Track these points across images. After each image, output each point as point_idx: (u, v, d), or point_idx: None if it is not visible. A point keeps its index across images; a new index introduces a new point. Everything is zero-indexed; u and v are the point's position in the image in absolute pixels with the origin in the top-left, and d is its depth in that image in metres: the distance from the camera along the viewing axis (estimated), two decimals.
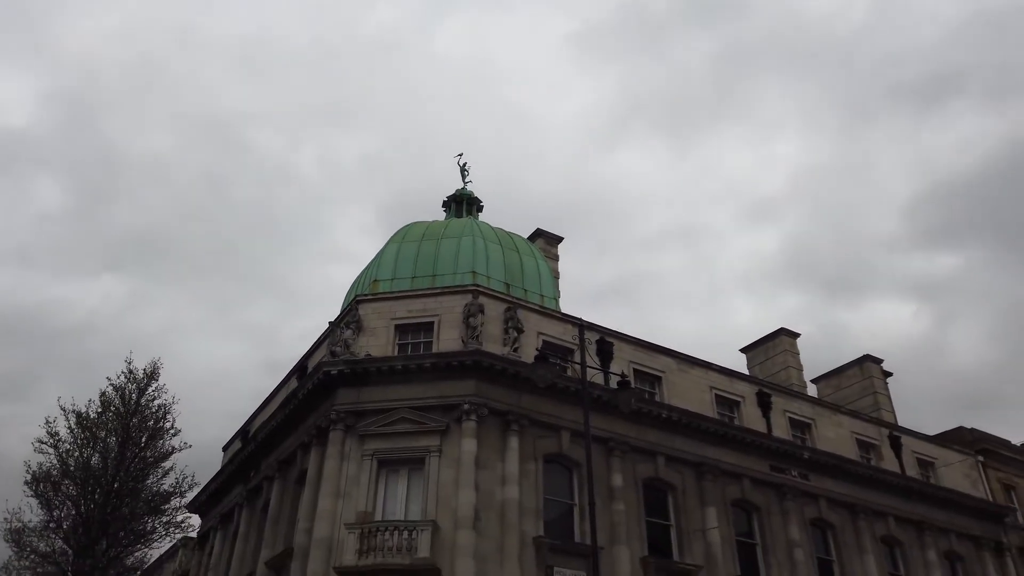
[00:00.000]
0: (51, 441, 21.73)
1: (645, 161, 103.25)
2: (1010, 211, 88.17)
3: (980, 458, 31.66)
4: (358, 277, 28.34)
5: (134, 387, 23.37)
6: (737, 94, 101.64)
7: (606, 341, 23.25)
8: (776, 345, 33.47)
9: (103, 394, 22.90)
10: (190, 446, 23.70)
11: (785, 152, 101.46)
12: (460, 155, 33.28)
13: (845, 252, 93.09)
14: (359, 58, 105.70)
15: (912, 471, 28.56)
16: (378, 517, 19.06)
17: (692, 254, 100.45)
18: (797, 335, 33.96)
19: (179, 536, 25.57)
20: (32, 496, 21.27)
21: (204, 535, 30.49)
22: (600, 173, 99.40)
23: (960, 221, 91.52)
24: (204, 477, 29.59)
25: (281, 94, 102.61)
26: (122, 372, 23.52)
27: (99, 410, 22.62)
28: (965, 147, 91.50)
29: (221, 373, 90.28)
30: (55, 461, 21.65)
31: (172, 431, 23.30)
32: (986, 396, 78.31)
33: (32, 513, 21.54)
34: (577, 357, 16.95)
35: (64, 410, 22.23)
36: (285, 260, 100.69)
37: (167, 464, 23.18)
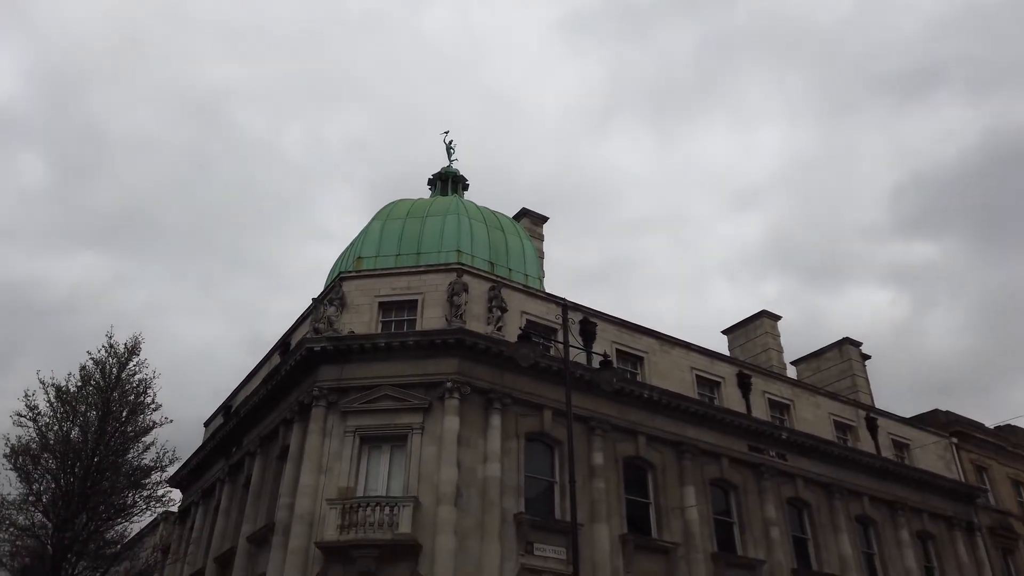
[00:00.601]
0: (30, 414, 21.54)
1: (631, 148, 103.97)
2: (987, 202, 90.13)
3: (954, 440, 32.29)
4: (342, 254, 28.22)
5: (115, 361, 23.13)
6: (722, 83, 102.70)
7: (589, 321, 23.37)
8: (757, 327, 33.78)
9: (83, 368, 22.67)
10: (171, 421, 23.51)
11: (768, 141, 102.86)
12: (446, 133, 33.11)
13: (826, 240, 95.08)
14: (346, 38, 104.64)
15: (888, 452, 29.07)
16: (360, 493, 19.16)
17: (676, 240, 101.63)
18: (778, 318, 34.29)
19: (160, 510, 25.42)
20: (11, 469, 21.10)
21: (185, 510, 30.55)
22: (585, 159, 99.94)
23: (938, 211, 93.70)
24: (186, 453, 29.58)
25: (267, 73, 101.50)
26: (103, 346, 23.29)
27: (79, 384, 22.40)
28: (944, 139, 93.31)
29: (204, 351, 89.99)
30: (34, 434, 21.48)
31: (153, 406, 23.11)
32: (961, 381, 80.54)
33: (11, 486, 21.41)
34: (560, 337, 17.06)
35: (43, 383, 22.00)
36: (269, 239, 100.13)
37: (148, 439, 22.99)
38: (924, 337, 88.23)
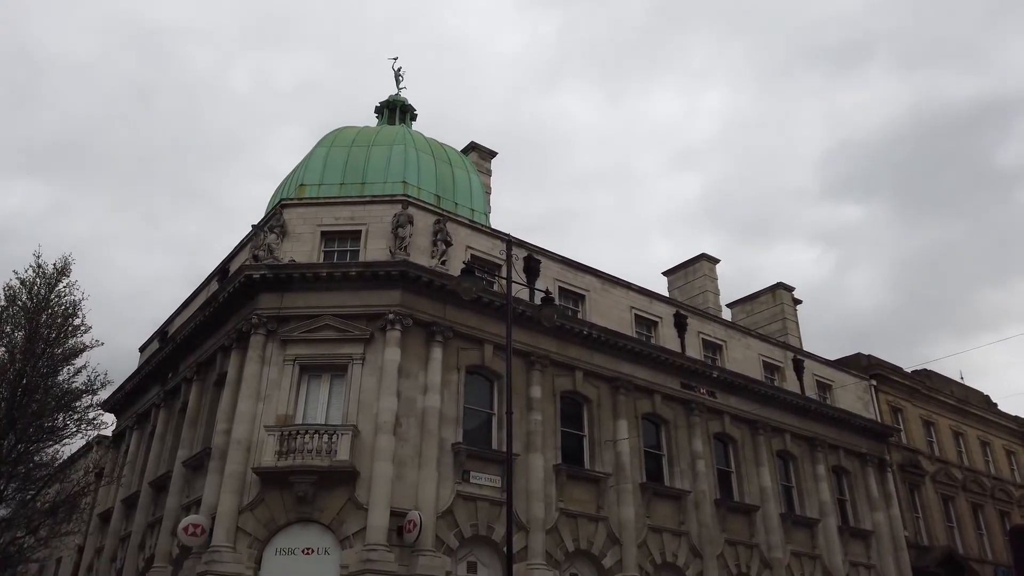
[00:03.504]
0: None
1: (578, 103, 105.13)
2: (910, 170, 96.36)
3: (873, 382, 34.00)
4: (284, 181, 27.51)
5: (43, 282, 22.38)
6: (668, 46, 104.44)
7: (533, 259, 23.53)
8: (696, 270, 34.56)
9: (8, 288, 21.89)
10: (102, 343, 23.01)
11: (710, 104, 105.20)
12: (395, 59, 32.21)
13: (760, 199, 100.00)
14: None
15: (811, 392, 30.50)
16: (299, 421, 19.25)
17: (618, 194, 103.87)
18: (717, 261, 35.10)
19: (93, 434, 25.14)
20: None
21: (120, 434, 30.19)
22: (533, 111, 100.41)
23: (864, 176, 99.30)
24: (122, 379, 29.12)
25: (214, 10, 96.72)
26: (30, 266, 22.45)
27: (3, 305, 21.66)
28: (874, 109, 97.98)
29: (146, 283, 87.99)
30: None
31: (83, 328, 22.56)
32: (879, 335, 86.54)
33: None
34: (504, 273, 17.18)
35: None
36: (215, 175, 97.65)
37: (79, 362, 22.52)
38: (846, 295, 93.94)
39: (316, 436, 18.46)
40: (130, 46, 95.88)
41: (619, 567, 21.58)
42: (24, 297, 22.03)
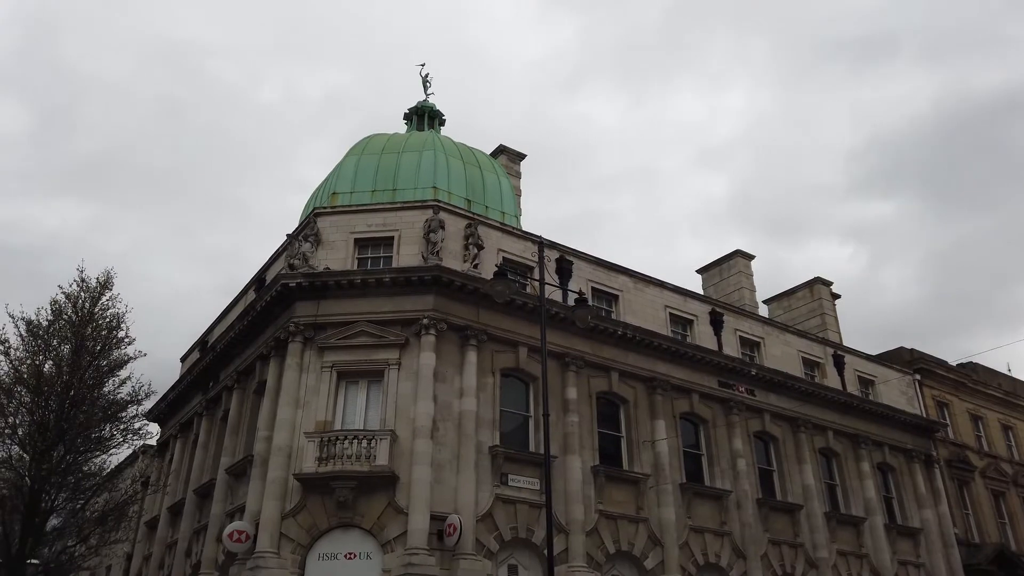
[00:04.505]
0: (1, 348, 21.40)
1: (600, 107, 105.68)
2: (939, 163, 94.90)
3: (917, 377, 33.26)
4: (316, 190, 27.84)
5: (87, 296, 22.95)
6: (688, 47, 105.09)
7: (565, 260, 23.47)
8: (731, 266, 34.15)
9: (54, 302, 22.47)
10: (145, 354, 23.50)
11: (733, 103, 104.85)
12: (422, 65, 32.40)
13: (787, 198, 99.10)
14: None
15: (853, 388, 29.92)
16: (337, 427, 19.43)
17: (644, 196, 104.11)
18: (752, 257, 34.65)
19: (138, 444, 25.70)
20: None
21: (164, 443, 30.80)
22: (557, 116, 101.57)
23: (893, 171, 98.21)
24: (164, 389, 29.74)
25: (242, 27, 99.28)
26: (74, 281, 23.04)
27: (50, 318, 22.24)
28: (899, 103, 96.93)
29: (183, 295, 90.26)
30: (6, 368, 21.39)
31: (127, 340, 23.08)
32: (914, 331, 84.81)
33: None
34: (536, 274, 17.16)
35: (13, 317, 21.80)
36: (246, 188, 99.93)
37: (123, 373, 23.05)
38: (881, 291, 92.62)
39: (355, 441, 18.61)
40: (162, 64, 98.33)
41: (661, 568, 21.38)
42: (69, 311, 22.60)
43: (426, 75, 31.63)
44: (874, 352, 33.64)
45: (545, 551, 16.22)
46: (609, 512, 21.21)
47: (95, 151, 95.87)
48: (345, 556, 18.11)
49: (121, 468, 33.56)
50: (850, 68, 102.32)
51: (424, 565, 17.34)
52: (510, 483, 19.84)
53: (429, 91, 31.53)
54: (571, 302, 19.57)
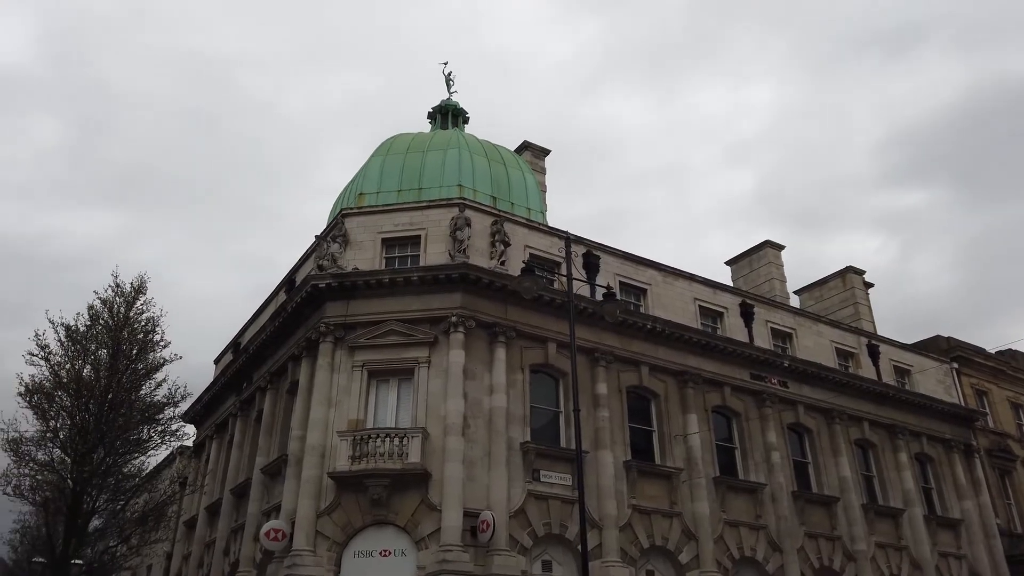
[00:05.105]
0: (41, 353, 21.88)
1: (626, 104, 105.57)
2: (970, 151, 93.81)
3: (955, 365, 32.60)
4: (343, 191, 28.06)
5: (122, 301, 23.38)
6: (713, 42, 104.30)
7: (592, 254, 23.38)
8: (761, 257, 33.76)
9: (91, 307, 22.92)
10: (180, 357, 23.88)
11: (760, 97, 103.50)
12: (445, 63, 32.48)
13: (816, 191, 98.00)
14: (345, 1, 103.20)
15: (888, 378, 29.42)
16: (369, 425, 19.58)
17: (671, 192, 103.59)
18: (782, 247, 34.22)
19: (175, 445, 26.16)
20: (27, 407, 21.55)
21: (200, 444, 31.30)
22: (583, 115, 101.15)
23: (924, 161, 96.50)
24: (198, 391, 30.19)
25: (268, 37, 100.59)
26: (109, 286, 23.48)
27: (87, 323, 22.70)
28: (929, 93, 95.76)
29: (214, 299, 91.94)
30: (47, 373, 21.87)
31: (162, 343, 23.47)
32: (950, 319, 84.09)
33: (28, 424, 21.89)
34: (563, 270, 17.11)
35: (53, 323, 22.28)
36: (275, 194, 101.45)
37: (159, 375, 23.44)
38: (913, 281, 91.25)
39: (387, 440, 18.73)
40: (192, 76, 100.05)
41: (696, 563, 21.24)
42: (106, 316, 23.03)
43: (449, 73, 31.74)
44: (909, 341, 33.05)
45: (578, 546, 16.20)
46: (642, 507, 21.11)
47: (128, 163, 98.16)
48: (380, 553, 18.26)
49: (159, 469, 34.21)
50: (878, 59, 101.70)
51: (458, 562, 17.41)
52: (542, 479, 19.83)
53: (452, 89, 31.62)
54: (599, 297, 19.50)
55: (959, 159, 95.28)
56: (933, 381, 31.08)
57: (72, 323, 22.49)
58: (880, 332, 32.23)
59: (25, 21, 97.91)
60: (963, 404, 31.46)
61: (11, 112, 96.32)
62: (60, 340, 22.26)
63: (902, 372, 30.50)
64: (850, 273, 34.59)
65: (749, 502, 23.30)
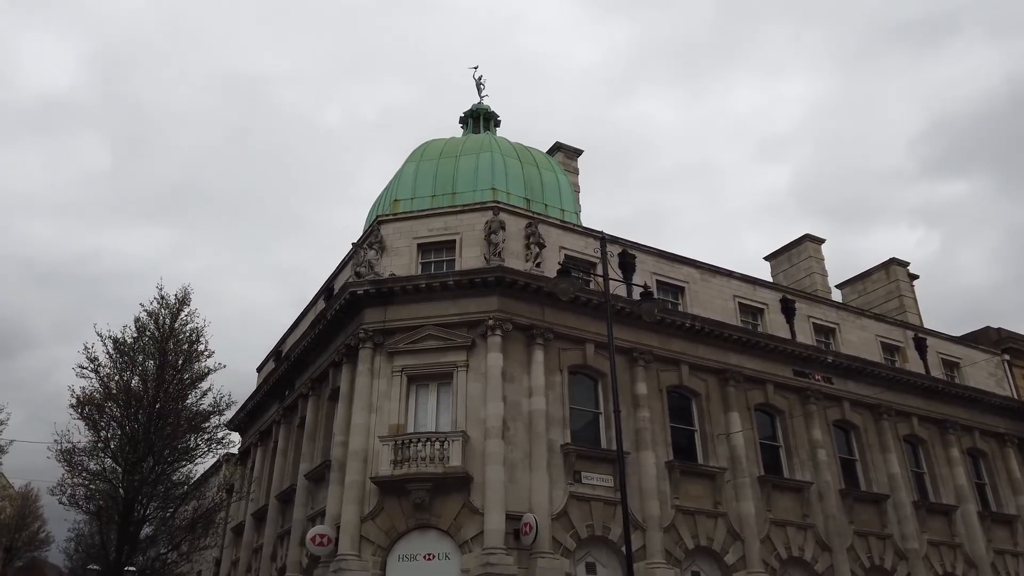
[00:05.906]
0: (91, 366, 22.48)
1: (657, 104, 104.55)
2: (1010, 139, 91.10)
3: (1006, 357, 31.63)
4: (378, 198, 28.32)
5: (167, 313, 23.92)
6: (743, 39, 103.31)
7: (628, 254, 23.21)
8: (801, 251, 33.19)
9: (138, 320, 23.49)
10: (224, 366, 24.35)
11: (792, 92, 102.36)
12: (475, 68, 32.59)
13: (853, 185, 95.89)
14: (377, 12, 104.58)
15: (937, 372, 28.67)
16: (410, 430, 19.70)
17: (705, 190, 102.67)
18: (822, 241, 33.59)
19: (221, 452, 26.65)
20: (79, 419, 22.16)
21: (245, 451, 31.84)
22: (614, 117, 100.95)
23: (962, 151, 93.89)
24: (242, 399, 30.73)
25: (302, 50, 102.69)
26: (154, 299, 24.04)
27: (135, 335, 23.27)
28: (965, 82, 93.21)
29: (256, 309, 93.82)
30: (97, 385, 22.46)
31: (207, 353, 23.96)
32: (997, 310, 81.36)
33: (80, 434, 22.50)
34: (599, 270, 17.03)
35: (101, 336, 22.89)
36: (312, 205, 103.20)
37: (204, 385, 23.94)
38: (957, 273, 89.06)
39: (428, 444, 18.83)
40: (231, 94, 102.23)
41: (743, 563, 20.93)
42: (152, 328, 23.58)
43: (479, 77, 31.83)
44: (958, 334, 32.17)
45: (622, 548, 16.08)
46: (686, 507, 20.89)
47: (170, 180, 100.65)
48: (424, 557, 18.35)
49: (207, 477, 34.83)
50: (911, 50, 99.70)
51: (502, 564, 17.41)
52: (583, 481, 19.75)
53: (483, 93, 31.71)
54: (636, 296, 19.36)
55: (999, 148, 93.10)
56: (984, 374, 30.21)
57: (120, 336, 23.08)
58: (927, 325, 31.45)
59: (72, 47, 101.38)
60: (1016, 397, 30.53)
61: (62, 133, 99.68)
62: (109, 352, 22.87)
63: (951, 365, 29.71)
64: (894, 265, 33.81)
65: (795, 501, 22.89)
